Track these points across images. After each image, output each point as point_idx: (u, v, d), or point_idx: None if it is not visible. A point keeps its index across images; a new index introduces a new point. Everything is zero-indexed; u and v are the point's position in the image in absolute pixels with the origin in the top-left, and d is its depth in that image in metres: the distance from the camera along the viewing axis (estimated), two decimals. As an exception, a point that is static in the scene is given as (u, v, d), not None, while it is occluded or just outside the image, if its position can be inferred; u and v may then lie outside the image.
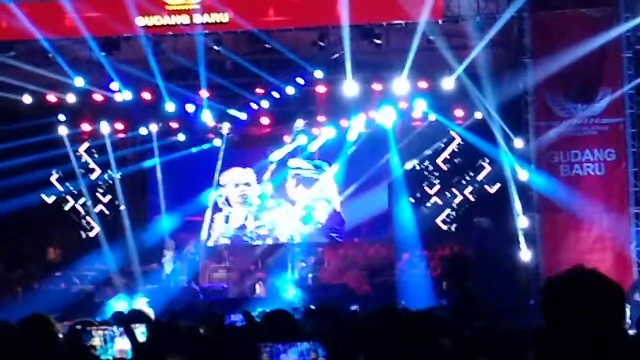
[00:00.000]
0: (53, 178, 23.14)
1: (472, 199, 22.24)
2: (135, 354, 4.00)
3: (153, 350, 4.01)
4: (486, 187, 21.99)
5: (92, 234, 23.22)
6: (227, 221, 23.44)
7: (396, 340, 5.02)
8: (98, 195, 23.62)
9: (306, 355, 5.22)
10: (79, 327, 8.60)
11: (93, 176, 23.50)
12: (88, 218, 23.45)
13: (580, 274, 3.17)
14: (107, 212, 23.51)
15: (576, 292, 3.11)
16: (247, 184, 23.53)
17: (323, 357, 5.24)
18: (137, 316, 7.70)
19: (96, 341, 9.65)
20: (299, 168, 23.27)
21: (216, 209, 23.52)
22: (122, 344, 7.75)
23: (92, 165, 23.46)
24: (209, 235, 23.37)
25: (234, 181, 23.58)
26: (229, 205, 23.55)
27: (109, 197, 23.57)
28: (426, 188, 22.81)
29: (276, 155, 23.25)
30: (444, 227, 22.38)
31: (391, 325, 5.13)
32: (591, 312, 3.06)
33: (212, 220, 23.49)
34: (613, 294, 3.12)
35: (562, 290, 3.14)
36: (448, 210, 22.46)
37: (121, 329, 7.28)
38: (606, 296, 3.10)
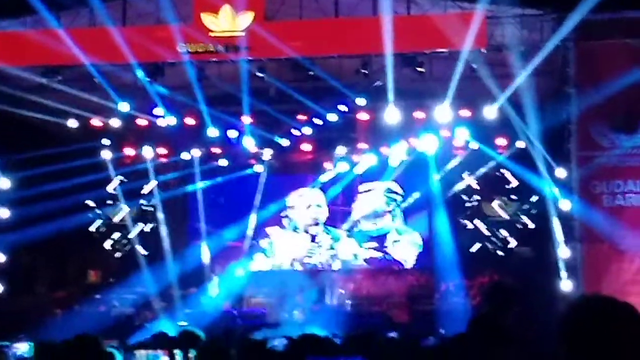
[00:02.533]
0: (95, 202, 23.36)
1: (514, 228, 22.14)
2: None
3: None
4: (528, 216, 21.89)
5: (132, 258, 23.37)
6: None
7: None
8: (139, 219, 23.81)
9: None
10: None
11: (135, 200, 23.70)
12: (129, 241, 23.62)
13: (611, 305, 3.04)
14: (148, 236, 23.67)
15: (602, 326, 2.95)
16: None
17: None
18: (188, 337, 7.72)
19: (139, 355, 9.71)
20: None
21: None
22: None
23: (134, 189, 23.66)
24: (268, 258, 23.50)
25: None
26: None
27: (150, 221, 23.75)
28: (467, 217, 22.75)
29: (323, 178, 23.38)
30: (485, 256, 22.28)
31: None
32: (617, 349, 2.92)
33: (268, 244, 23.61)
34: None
35: (589, 321, 2.99)
36: (489, 239, 22.37)
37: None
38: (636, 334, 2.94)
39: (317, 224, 23.51)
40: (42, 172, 19.88)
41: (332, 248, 23.28)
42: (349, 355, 5.28)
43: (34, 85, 18.88)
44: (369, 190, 23.41)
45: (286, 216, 23.67)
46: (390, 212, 23.36)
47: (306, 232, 23.55)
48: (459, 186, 22.70)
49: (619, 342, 2.92)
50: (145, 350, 13.01)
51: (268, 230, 23.69)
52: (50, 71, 18.52)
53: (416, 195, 22.85)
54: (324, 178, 23.39)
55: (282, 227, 23.69)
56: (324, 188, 23.59)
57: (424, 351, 6.70)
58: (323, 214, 23.55)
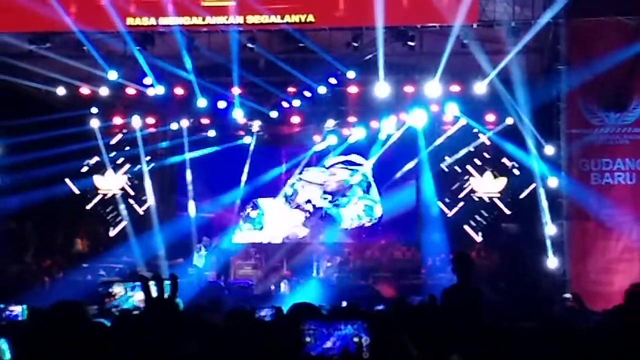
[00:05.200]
0: (83, 170, 23.34)
1: (501, 205, 22.24)
2: (148, 306, 4.03)
3: (168, 304, 4.04)
4: (515, 192, 21.98)
5: (119, 227, 23.39)
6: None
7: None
8: (127, 188, 23.81)
9: (350, 340, 5.23)
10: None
11: (123, 169, 23.69)
12: (117, 211, 23.63)
13: None
14: (135, 205, 23.67)
15: None
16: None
17: (367, 341, 5.24)
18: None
19: (116, 290, 9.71)
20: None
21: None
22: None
23: (122, 158, 23.64)
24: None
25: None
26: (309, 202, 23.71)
27: (137, 190, 23.75)
28: (455, 192, 22.82)
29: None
30: (472, 232, 22.38)
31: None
32: None
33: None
34: None
35: None
36: (476, 215, 22.46)
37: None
38: None
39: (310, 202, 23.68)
40: (31, 140, 19.82)
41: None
42: (348, 320, 5.27)
43: (22, 52, 18.74)
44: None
45: (292, 189, 23.74)
46: (359, 185, 23.48)
47: (301, 208, 23.65)
48: (448, 161, 22.74)
49: None
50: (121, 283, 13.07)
51: (260, 201, 23.70)
52: (39, 38, 18.37)
53: (406, 167, 22.86)
54: (318, 147, 23.45)
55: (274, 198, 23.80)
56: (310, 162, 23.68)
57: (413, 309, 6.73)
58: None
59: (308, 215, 23.67)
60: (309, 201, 23.64)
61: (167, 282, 4.15)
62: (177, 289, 4.13)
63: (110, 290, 8.58)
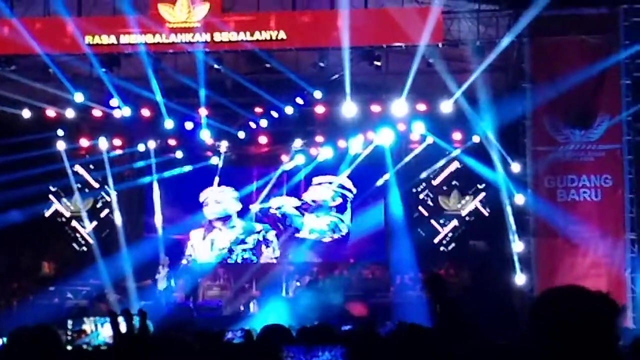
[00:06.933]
0: (50, 193, 23.19)
1: (469, 222, 22.36)
2: (117, 342, 3.99)
3: (137, 339, 4.00)
4: (482, 210, 22.11)
5: (86, 249, 23.22)
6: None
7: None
8: (94, 210, 23.66)
9: None
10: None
11: (90, 192, 23.56)
12: (83, 233, 23.48)
13: (574, 291, 3.16)
14: (102, 227, 23.52)
15: (568, 310, 3.07)
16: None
17: None
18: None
19: (87, 326, 9.68)
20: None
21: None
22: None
23: (89, 180, 23.51)
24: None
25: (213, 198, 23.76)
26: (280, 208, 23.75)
27: (105, 212, 23.62)
28: (422, 210, 22.90)
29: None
30: (440, 250, 22.46)
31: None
32: (583, 330, 3.03)
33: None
34: (606, 311, 3.09)
35: (555, 307, 3.11)
36: (444, 233, 22.55)
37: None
38: (599, 313, 3.07)
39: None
40: (-4, 163, 19.68)
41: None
42: (325, 345, 5.25)
43: (-13, 75, 18.65)
44: (321, 184, 23.48)
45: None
46: (336, 207, 23.48)
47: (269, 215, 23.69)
48: (415, 180, 22.83)
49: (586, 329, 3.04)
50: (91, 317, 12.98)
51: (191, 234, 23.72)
52: (4, 61, 18.31)
53: (374, 187, 22.91)
54: (287, 167, 23.44)
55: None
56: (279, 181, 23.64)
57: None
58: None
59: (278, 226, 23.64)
60: (279, 207, 23.59)
61: (136, 317, 4.12)
62: (146, 324, 4.10)
63: (81, 327, 8.55)
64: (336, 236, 23.38)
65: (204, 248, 23.46)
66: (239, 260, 23.37)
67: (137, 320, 4.08)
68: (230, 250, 23.41)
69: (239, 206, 23.52)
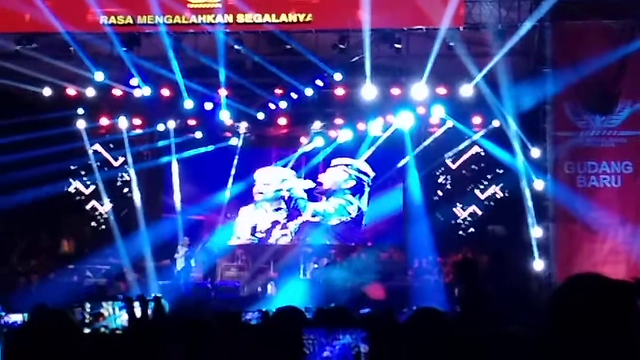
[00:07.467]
0: (69, 171, 23.29)
1: (488, 207, 22.31)
2: (131, 326, 4.01)
3: (150, 325, 4.02)
4: (501, 194, 22.06)
5: (105, 228, 23.33)
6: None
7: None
8: (113, 189, 23.75)
9: (349, 349, 5.21)
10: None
11: (109, 171, 23.64)
12: (102, 211, 23.58)
13: (596, 279, 3.15)
14: (121, 206, 23.61)
15: (590, 298, 3.08)
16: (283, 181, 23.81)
17: (365, 351, 5.23)
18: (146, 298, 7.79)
19: (105, 310, 9.74)
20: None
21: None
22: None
23: (109, 159, 23.60)
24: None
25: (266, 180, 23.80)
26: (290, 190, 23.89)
27: (124, 191, 23.71)
28: (441, 194, 22.88)
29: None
30: (458, 234, 22.44)
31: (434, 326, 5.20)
32: (604, 318, 3.04)
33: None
34: (628, 299, 3.10)
35: (576, 295, 3.11)
36: (463, 217, 22.52)
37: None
38: (621, 301, 3.07)
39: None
40: (17, 141, 19.76)
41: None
42: (346, 329, 5.26)
43: (8, 53, 18.68)
44: (337, 166, 23.51)
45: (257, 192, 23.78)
46: (350, 189, 23.48)
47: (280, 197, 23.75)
48: (434, 163, 22.81)
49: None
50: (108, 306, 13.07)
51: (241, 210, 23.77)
52: (25, 39, 18.35)
53: (393, 170, 22.91)
54: (306, 149, 23.47)
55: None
56: (298, 163, 23.68)
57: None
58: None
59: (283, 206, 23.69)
60: (290, 189, 23.66)
61: (151, 303, 4.16)
62: (161, 310, 4.14)
63: (99, 310, 8.63)
64: (344, 219, 23.39)
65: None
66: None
67: (152, 306, 4.12)
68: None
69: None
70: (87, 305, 15.27)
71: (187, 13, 17.63)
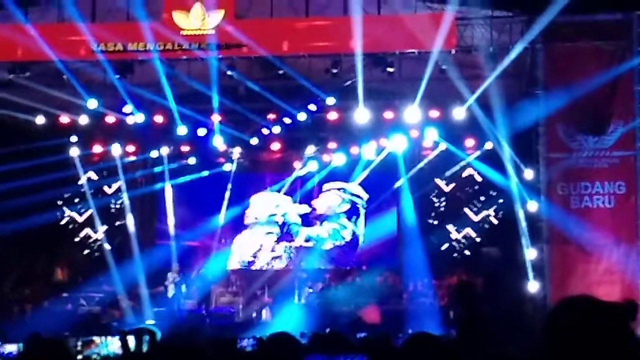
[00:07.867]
0: (63, 199, 23.25)
1: (482, 229, 22.32)
2: (125, 357, 3.99)
3: (144, 357, 4.00)
4: (495, 217, 22.07)
5: (99, 255, 23.26)
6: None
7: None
8: (107, 217, 23.70)
9: None
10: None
11: (103, 198, 23.61)
12: (97, 239, 23.53)
13: (590, 301, 3.16)
14: (115, 234, 23.56)
15: (585, 320, 3.06)
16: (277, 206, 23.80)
17: None
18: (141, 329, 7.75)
19: (96, 337, 9.70)
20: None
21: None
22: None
23: (102, 187, 23.58)
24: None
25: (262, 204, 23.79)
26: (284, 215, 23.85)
27: (118, 219, 23.66)
28: (435, 216, 22.89)
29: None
30: (453, 256, 22.43)
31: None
32: (600, 340, 3.02)
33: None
34: (623, 322, 3.08)
35: (571, 317, 3.11)
36: (457, 239, 22.53)
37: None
38: (616, 324, 3.06)
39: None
40: (10, 169, 19.74)
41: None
42: (347, 354, 5.24)
43: (1, 82, 18.72)
44: (329, 190, 23.53)
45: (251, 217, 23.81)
46: (345, 213, 23.51)
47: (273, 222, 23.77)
48: (428, 186, 22.83)
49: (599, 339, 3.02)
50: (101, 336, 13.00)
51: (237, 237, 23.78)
52: (18, 67, 18.38)
53: (387, 194, 22.93)
54: (300, 173, 23.50)
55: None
56: (293, 188, 23.70)
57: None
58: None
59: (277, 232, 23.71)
60: (284, 214, 23.68)
61: (146, 336, 4.16)
62: (155, 344, 4.13)
63: (91, 338, 8.61)
64: (338, 243, 23.40)
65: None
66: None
67: (147, 339, 4.11)
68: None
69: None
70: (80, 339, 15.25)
71: (180, 40, 17.66)
